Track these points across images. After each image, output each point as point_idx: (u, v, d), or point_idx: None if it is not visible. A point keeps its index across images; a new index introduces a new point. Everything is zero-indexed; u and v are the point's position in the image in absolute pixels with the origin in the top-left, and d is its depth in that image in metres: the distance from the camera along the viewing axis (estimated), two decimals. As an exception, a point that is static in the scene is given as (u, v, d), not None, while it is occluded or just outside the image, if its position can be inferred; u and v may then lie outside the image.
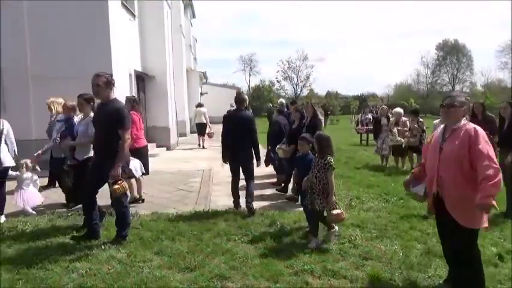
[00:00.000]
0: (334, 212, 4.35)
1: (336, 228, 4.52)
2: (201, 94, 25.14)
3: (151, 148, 12.35)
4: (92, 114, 4.96)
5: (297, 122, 6.75)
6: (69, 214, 5.53)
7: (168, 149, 13.28)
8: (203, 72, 25.73)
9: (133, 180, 6.18)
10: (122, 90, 10.48)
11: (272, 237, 4.61)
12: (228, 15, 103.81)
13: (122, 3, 11.05)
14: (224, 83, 47.59)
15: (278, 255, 4.08)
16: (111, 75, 4.47)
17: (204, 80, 27.21)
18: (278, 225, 5.01)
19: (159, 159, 11.42)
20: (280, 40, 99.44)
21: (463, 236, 3.05)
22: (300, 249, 4.23)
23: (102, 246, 4.30)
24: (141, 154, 6.42)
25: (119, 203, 4.50)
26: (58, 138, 5.71)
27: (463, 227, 3.01)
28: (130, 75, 11.54)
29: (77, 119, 5.62)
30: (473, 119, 6.62)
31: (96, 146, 4.57)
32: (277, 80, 58.20)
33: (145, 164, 6.56)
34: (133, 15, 12.43)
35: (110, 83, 4.42)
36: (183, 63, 19.74)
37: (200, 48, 45.62)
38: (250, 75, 62.83)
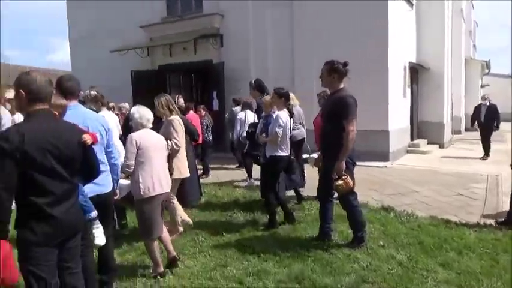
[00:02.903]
0: None
1: None
2: (481, 86, 21.76)
3: (424, 145, 11.64)
4: (279, 112, 4.69)
5: None
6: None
7: (441, 146, 12.13)
8: (486, 62, 22.12)
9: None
10: (396, 84, 10.24)
11: None
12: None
13: (401, -7, 10.70)
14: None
15: None
16: (342, 63, 4.04)
17: (486, 71, 23.39)
18: None
19: (432, 157, 10.56)
20: None
21: None
22: None
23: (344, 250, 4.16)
24: None
25: (346, 201, 4.17)
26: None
27: None
28: (405, 67, 11.12)
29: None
30: None
31: (323, 141, 4.26)
32: None
33: None
34: (411, 4, 11.87)
35: (334, 71, 4.03)
36: (461, 52, 17.57)
37: (480, 33, 39.51)
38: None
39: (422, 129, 12.52)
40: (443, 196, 6.43)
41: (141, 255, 4.11)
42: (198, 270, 3.75)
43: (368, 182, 7.40)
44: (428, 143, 11.97)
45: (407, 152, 11.03)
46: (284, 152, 4.79)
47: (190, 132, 5.42)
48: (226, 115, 9.55)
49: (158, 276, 3.60)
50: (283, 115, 4.74)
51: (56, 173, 2.20)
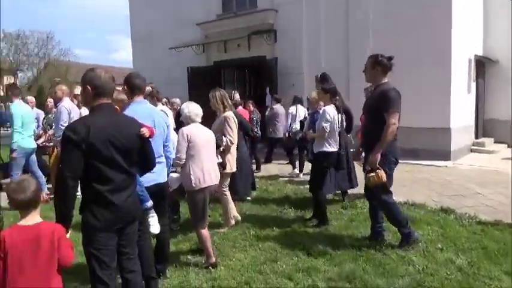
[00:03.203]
0: None
1: None
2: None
3: (490, 144, 10.86)
4: (326, 107, 4.67)
5: None
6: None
7: (510, 146, 11.21)
8: None
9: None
10: (460, 78, 9.63)
11: None
12: None
13: (469, -19, 9.98)
14: None
15: None
16: (386, 57, 3.92)
17: None
18: None
19: (498, 157, 9.80)
20: None
21: None
22: None
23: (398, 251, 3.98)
24: None
25: (382, 202, 3.99)
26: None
27: None
28: (469, 60, 10.39)
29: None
30: None
31: (365, 137, 4.17)
32: None
33: None
34: (479, -8, 11.06)
35: (378, 64, 3.91)
36: (536, 43, 16.05)
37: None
38: None
39: (489, 127, 11.66)
40: (510, 199, 5.95)
41: (194, 245, 4.25)
42: (248, 263, 3.80)
43: (427, 181, 7.06)
44: (495, 142, 11.12)
45: (471, 151, 10.33)
46: (332, 148, 4.71)
47: (244, 128, 5.49)
48: (266, 112, 9.52)
49: (210, 267, 3.70)
50: (330, 110, 4.69)
51: (116, 164, 2.34)
